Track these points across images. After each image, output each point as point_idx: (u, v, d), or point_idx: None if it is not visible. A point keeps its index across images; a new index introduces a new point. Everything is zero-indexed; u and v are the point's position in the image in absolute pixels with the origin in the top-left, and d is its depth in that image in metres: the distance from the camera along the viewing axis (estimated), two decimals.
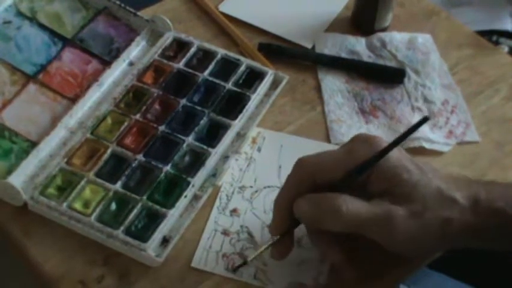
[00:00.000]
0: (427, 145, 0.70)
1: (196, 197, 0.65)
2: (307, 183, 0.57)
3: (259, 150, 0.70)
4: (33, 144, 0.68)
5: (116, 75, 0.74)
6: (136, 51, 0.76)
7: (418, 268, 0.63)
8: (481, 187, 0.55)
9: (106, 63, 0.75)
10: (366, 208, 0.54)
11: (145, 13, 0.79)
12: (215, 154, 0.68)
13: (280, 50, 0.79)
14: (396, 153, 0.56)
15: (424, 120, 0.56)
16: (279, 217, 0.58)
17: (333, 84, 0.77)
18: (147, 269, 0.61)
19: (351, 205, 0.54)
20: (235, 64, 0.75)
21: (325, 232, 0.57)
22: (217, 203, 0.66)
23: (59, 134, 0.69)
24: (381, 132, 0.72)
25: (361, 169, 0.55)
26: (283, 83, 0.75)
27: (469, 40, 0.82)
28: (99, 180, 0.65)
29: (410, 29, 0.82)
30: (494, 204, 0.54)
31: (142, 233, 0.62)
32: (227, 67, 0.75)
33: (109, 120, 0.70)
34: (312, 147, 0.70)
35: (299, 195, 0.56)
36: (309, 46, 0.81)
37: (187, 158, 0.68)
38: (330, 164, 0.57)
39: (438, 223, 0.54)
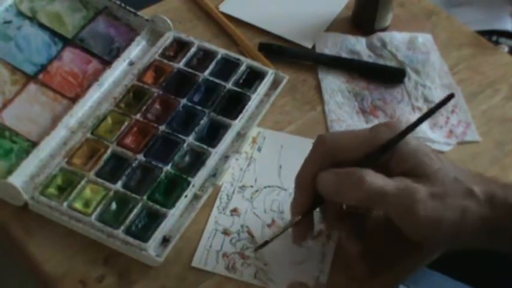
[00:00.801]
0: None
1: (196, 197, 0.66)
2: (328, 160, 0.57)
3: (259, 150, 0.70)
4: (34, 144, 0.68)
5: (116, 75, 0.74)
6: (136, 51, 0.76)
7: (427, 261, 0.63)
8: (497, 185, 0.56)
9: (106, 63, 0.75)
10: (389, 182, 0.54)
11: (146, 13, 0.79)
12: (215, 154, 0.68)
13: (280, 50, 0.79)
14: (417, 140, 0.57)
15: (449, 98, 0.56)
16: (300, 194, 0.58)
17: (333, 84, 0.77)
18: (147, 268, 0.61)
19: (374, 177, 0.54)
20: (236, 64, 0.75)
21: (344, 221, 0.58)
22: (217, 202, 0.66)
23: (59, 133, 0.69)
24: None
25: (384, 148, 0.55)
26: (284, 82, 0.75)
27: (469, 40, 0.82)
28: (100, 180, 0.65)
29: (410, 29, 0.82)
30: (510, 201, 0.54)
31: (143, 232, 0.62)
32: (227, 67, 0.75)
33: (109, 120, 0.70)
34: None
35: (320, 171, 0.56)
36: (309, 46, 0.81)
37: (187, 158, 0.68)
38: (352, 142, 0.57)
39: (456, 209, 0.54)
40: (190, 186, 0.65)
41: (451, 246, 0.59)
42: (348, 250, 0.59)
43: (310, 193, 0.57)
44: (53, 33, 0.76)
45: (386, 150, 0.55)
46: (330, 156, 0.57)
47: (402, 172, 0.55)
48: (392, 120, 0.58)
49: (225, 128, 0.70)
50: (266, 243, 0.60)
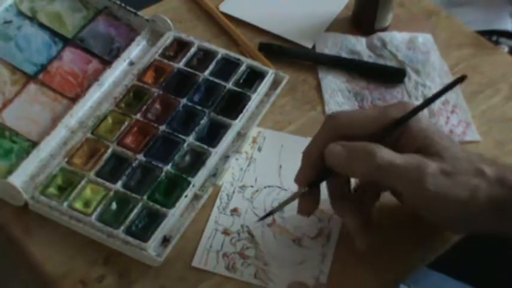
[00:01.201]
0: None
1: (196, 197, 0.66)
2: (337, 135, 0.57)
3: (259, 149, 0.70)
4: (34, 144, 0.68)
5: (116, 75, 0.74)
6: (136, 50, 0.76)
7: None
8: (506, 168, 0.56)
9: (106, 63, 0.75)
10: (400, 157, 0.54)
11: (146, 13, 0.79)
12: (215, 154, 0.68)
13: (280, 50, 0.79)
14: (428, 120, 0.57)
15: (460, 79, 0.56)
16: (307, 165, 0.58)
17: (333, 84, 0.77)
18: (147, 268, 0.61)
19: (384, 150, 0.54)
20: (236, 64, 0.75)
21: (347, 199, 0.58)
22: (217, 202, 0.66)
23: (59, 133, 0.69)
24: None
25: (395, 124, 0.56)
26: (284, 82, 0.75)
27: (469, 40, 0.82)
28: (100, 180, 0.65)
29: (410, 29, 0.82)
30: None
31: (143, 232, 0.62)
32: (227, 67, 0.75)
33: (109, 120, 0.70)
34: None
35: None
36: (310, 46, 0.81)
37: (187, 158, 0.68)
38: (363, 119, 0.57)
39: (467, 187, 0.54)
40: (191, 186, 0.65)
41: (461, 228, 0.58)
42: (348, 223, 0.59)
43: (317, 166, 0.58)
44: (53, 33, 0.76)
45: (397, 127, 0.56)
46: (339, 132, 0.57)
47: (413, 150, 0.55)
48: (402, 100, 0.58)
49: (225, 128, 0.70)
50: (271, 213, 0.60)
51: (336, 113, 0.59)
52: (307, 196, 0.59)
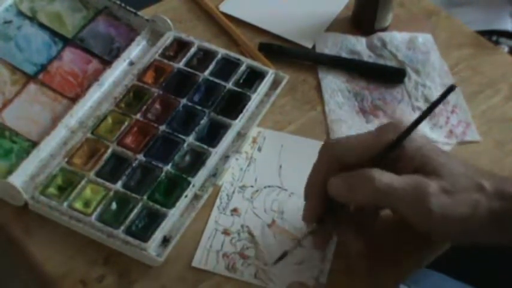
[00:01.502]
0: None
1: (196, 197, 0.66)
2: (335, 165, 0.57)
3: (259, 149, 0.70)
4: (34, 144, 0.68)
5: (116, 75, 0.74)
6: (136, 50, 0.76)
7: (432, 258, 0.63)
8: (505, 180, 0.56)
9: (106, 63, 0.75)
10: (399, 179, 0.54)
11: (146, 13, 0.79)
12: (215, 154, 0.68)
13: (280, 50, 0.79)
14: (422, 138, 0.57)
15: (450, 89, 0.56)
16: (311, 202, 0.58)
17: (333, 84, 0.77)
18: (147, 268, 0.61)
19: (383, 175, 0.54)
20: (236, 64, 0.75)
21: (348, 221, 0.58)
22: (217, 202, 0.66)
23: (59, 133, 0.69)
24: None
25: (391, 147, 0.55)
26: (284, 82, 0.75)
27: (469, 40, 0.82)
28: (100, 180, 0.65)
29: (410, 29, 0.82)
30: None
31: (143, 232, 0.62)
32: (227, 67, 0.75)
33: (109, 120, 0.70)
34: (313, 147, 0.70)
35: (329, 177, 0.57)
36: (310, 46, 0.81)
37: (187, 158, 0.68)
38: (358, 146, 0.57)
39: (467, 204, 0.54)
40: (191, 186, 0.65)
41: (462, 241, 0.58)
42: (349, 248, 0.59)
43: (321, 200, 0.58)
44: (53, 33, 0.76)
45: (393, 150, 0.56)
46: (337, 162, 0.57)
47: (411, 170, 0.55)
48: (393, 120, 0.58)
49: (225, 128, 0.70)
50: (285, 254, 0.59)
51: (330, 143, 0.58)
52: (319, 232, 0.59)
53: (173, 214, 0.63)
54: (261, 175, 0.68)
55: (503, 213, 0.54)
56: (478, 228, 0.55)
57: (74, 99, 0.72)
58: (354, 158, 0.56)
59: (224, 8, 0.84)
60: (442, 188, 0.54)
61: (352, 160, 0.56)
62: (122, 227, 0.62)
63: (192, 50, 0.76)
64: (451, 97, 0.75)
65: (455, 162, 0.56)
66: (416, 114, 0.74)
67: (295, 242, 0.60)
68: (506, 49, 1.10)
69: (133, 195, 0.64)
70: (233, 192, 0.67)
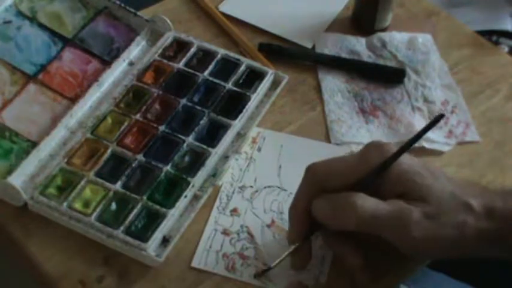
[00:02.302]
0: (427, 145, 0.70)
1: (196, 197, 0.66)
2: (319, 189, 0.57)
3: (259, 150, 0.70)
4: (34, 144, 0.68)
5: (116, 75, 0.74)
6: (136, 51, 0.76)
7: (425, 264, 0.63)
8: (497, 196, 0.55)
9: (106, 63, 0.75)
10: (381, 205, 0.54)
11: (146, 13, 0.79)
12: (215, 154, 0.68)
13: (280, 50, 0.79)
14: (408, 159, 0.56)
15: (439, 118, 0.55)
16: (296, 224, 0.58)
17: (333, 84, 0.77)
18: (147, 268, 0.61)
19: (367, 201, 0.54)
20: (235, 64, 0.75)
21: (341, 236, 0.57)
22: (217, 202, 0.66)
23: (59, 134, 0.69)
24: (381, 132, 0.72)
25: (376, 172, 0.55)
26: (283, 83, 0.75)
27: (469, 40, 0.82)
28: (99, 180, 0.65)
29: (410, 29, 0.82)
30: (511, 211, 0.54)
31: (143, 232, 0.62)
32: (227, 67, 0.75)
33: (109, 120, 0.70)
34: (312, 147, 0.70)
35: (313, 200, 0.56)
36: (309, 46, 0.81)
37: (187, 158, 0.68)
38: (342, 169, 0.57)
39: (453, 226, 0.53)
40: (190, 186, 0.65)
41: (453, 257, 0.58)
42: (350, 263, 0.58)
43: (305, 223, 0.58)
44: (53, 33, 0.76)
45: (378, 175, 0.55)
46: (321, 185, 0.57)
47: (396, 194, 0.55)
48: (382, 142, 0.57)
49: (225, 128, 0.70)
50: (269, 269, 0.59)
51: (314, 166, 0.58)
52: (300, 251, 0.59)
53: (173, 214, 0.63)
54: (260, 175, 0.68)
55: (493, 232, 0.54)
56: (469, 247, 0.54)
57: (73, 100, 0.72)
58: (338, 182, 0.56)
59: (224, 8, 0.84)
60: (425, 214, 0.53)
61: (335, 184, 0.56)
62: (122, 227, 0.62)
63: (192, 50, 0.76)
64: (451, 97, 0.75)
65: (442, 182, 0.55)
66: (416, 115, 0.74)
67: (278, 259, 0.59)
68: (506, 49, 1.10)
69: (133, 195, 0.64)
70: (233, 192, 0.67)
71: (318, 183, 0.57)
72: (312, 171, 0.58)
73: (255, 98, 0.72)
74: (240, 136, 0.71)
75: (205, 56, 0.76)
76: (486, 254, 0.56)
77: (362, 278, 0.58)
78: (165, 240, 0.62)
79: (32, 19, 0.76)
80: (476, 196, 0.55)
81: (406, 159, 0.56)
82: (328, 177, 0.57)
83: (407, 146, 0.56)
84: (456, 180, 0.56)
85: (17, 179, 0.65)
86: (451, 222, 0.53)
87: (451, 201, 0.54)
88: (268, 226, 0.64)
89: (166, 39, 0.77)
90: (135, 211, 0.63)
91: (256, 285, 0.60)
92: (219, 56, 0.76)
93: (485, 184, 0.67)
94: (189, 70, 0.74)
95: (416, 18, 0.85)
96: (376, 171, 0.55)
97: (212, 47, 0.77)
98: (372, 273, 0.58)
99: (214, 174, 0.67)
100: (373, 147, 0.57)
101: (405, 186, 0.55)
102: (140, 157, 0.67)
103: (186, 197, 0.64)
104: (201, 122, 0.70)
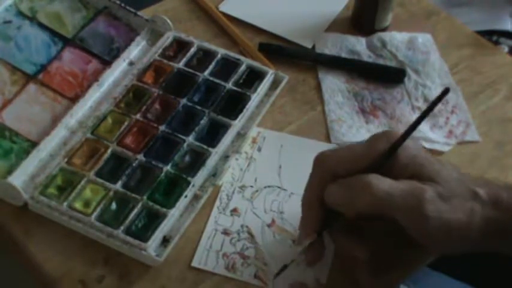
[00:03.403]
0: (427, 145, 0.70)
1: (196, 197, 0.66)
2: (329, 177, 0.56)
3: (259, 150, 0.70)
4: (34, 144, 0.68)
5: (116, 75, 0.74)
6: (136, 51, 0.76)
7: (429, 260, 0.63)
8: (501, 188, 0.55)
9: (106, 63, 0.75)
10: (395, 184, 0.54)
11: (146, 13, 0.79)
12: (215, 154, 0.68)
13: (280, 50, 0.79)
14: (414, 144, 0.56)
15: (444, 93, 0.55)
16: (309, 215, 0.58)
17: (333, 84, 0.77)
18: (147, 268, 0.61)
19: (381, 180, 0.54)
20: (236, 64, 0.75)
21: (350, 228, 0.57)
22: (217, 202, 0.66)
23: (59, 133, 0.69)
24: None
25: (385, 156, 0.55)
26: (284, 82, 0.75)
27: (469, 40, 0.82)
28: (100, 180, 0.65)
29: (410, 29, 0.82)
30: None
31: (143, 232, 0.62)
32: (227, 67, 0.75)
33: (109, 120, 0.70)
34: (312, 147, 0.70)
35: (324, 188, 0.56)
36: (309, 46, 0.81)
37: (187, 158, 0.68)
38: (351, 156, 0.56)
39: (464, 211, 0.53)
40: (190, 186, 0.65)
41: (459, 250, 0.57)
42: (355, 257, 0.58)
43: (318, 213, 0.57)
44: (53, 33, 0.76)
45: (387, 159, 0.55)
46: (331, 174, 0.56)
47: (405, 178, 0.55)
48: (385, 130, 0.57)
49: (225, 128, 0.70)
50: (285, 267, 0.59)
51: (322, 154, 0.58)
52: (313, 245, 0.58)
53: (173, 214, 0.63)
54: (260, 175, 0.68)
55: (499, 223, 0.53)
56: (477, 236, 0.54)
57: (73, 100, 0.72)
58: (347, 169, 0.56)
59: (224, 8, 0.84)
60: (438, 193, 0.53)
61: (345, 171, 0.56)
62: (122, 227, 0.62)
63: (192, 50, 0.76)
64: (451, 97, 0.75)
65: (449, 169, 0.55)
66: (416, 115, 0.74)
67: (296, 254, 0.59)
68: (506, 49, 1.10)
69: (133, 195, 0.64)
70: (233, 192, 0.67)
71: (329, 170, 0.57)
72: (321, 159, 0.57)
73: (255, 98, 0.72)
74: (240, 136, 0.71)
75: (205, 55, 0.76)
76: (493, 246, 0.55)
77: (364, 274, 0.58)
78: (165, 240, 0.62)
79: (32, 19, 0.76)
80: (482, 185, 0.55)
81: (412, 144, 0.56)
82: (338, 164, 0.56)
83: (412, 128, 0.56)
84: (459, 169, 0.56)
85: (17, 179, 0.65)
86: (462, 206, 0.53)
87: (459, 187, 0.54)
88: (269, 226, 0.64)
89: (167, 39, 0.77)
90: (135, 211, 0.63)
91: (256, 285, 0.60)
92: (219, 55, 0.76)
93: None
94: (189, 70, 0.74)
95: (416, 19, 0.85)
96: (385, 154, 0.55)
97: (212, 46, 0.77)
98: (374, 269, 0.58)
99: (215, 174, 0.67)
100: (379, 134, 0.57)
101: (415, 169, 0.55)
102: (140, 157, 0.67)
103: (186, 196, 0.64)
104: (201, 121, 0.70)
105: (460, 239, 0.54)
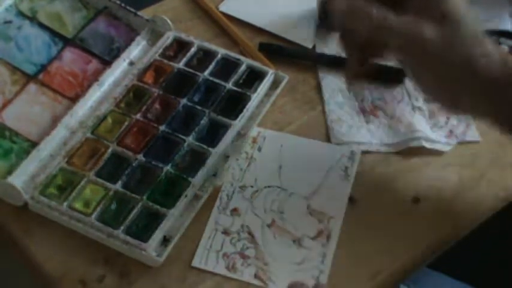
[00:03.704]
0: (427, 145, 0.70)
1: (196, 197, 0.66)
2: None
3: (259, 150, 0.70)
4: (34, 144, 0.68)
5: (116, 75, 0.74)
6: (136, 51, 0.76)
7: None
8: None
9: (106, 63, 0.75)
10: (396, 15, 0.54)
11: (146, 13, 0.79)
12: (215, 154, 0.68)
13: (280, 50, 0.79)
14: None
15: None
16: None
17: (333, 84, 0.77)
18: (147, 268, 0.61)
19: (381, 9, 0.55)
20: (236, 64, 0.75)
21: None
22: (217, 202, 0.66)
23: (59, 133, 0.69)
24: (381, 131, 0.72)
25: None
26: (284, 82, 0.75)
27: None
28: (100, 180, 0.65)
29: None
30: None
31: (143, 232, 0.62)
32: (227, 67, 0.75)
33: (109, 120, 0.70)
34: (312, 147, 0.70)
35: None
36: (310, 46, 0.81)
37: (187, 158, 0.68)
38: None
39: (464, 55, 0.53)
40: (190, 186, 0.65)
41: (452, 105, 0.58)
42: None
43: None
44: (53, 33, 0.76)
45: None
46: None
47: (416, 11, 0.55)
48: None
49: (225, 128, 0.70)
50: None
51: None
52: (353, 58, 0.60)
53: (173, 214, 0.63)
54: (261, 175, 0.68)
55: (504, 80, 0.53)
56: (470, 88, 0.54)
57: (73, 99, 0.72)
58: None
59: (224, 8, 0.84)
60: (441, 32, 0.53)
61: None
62: (122, 227, 0.62)
63: (192, 50, 0.76)
64: None
65: (464, 7, 0.55)
66: (416, 114, 0.74)
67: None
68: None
69: (133, 195, 0.64)
70: (233, 192, 0.67)
71: None
72: None
73: (255, 98, 0.72)
74: (240, 136, 0.71)
75: (205, 55, 0.76)
76: (482, 107, 0.55)
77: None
78: (166, 240, 0.62)
79: (32, 19, 0.76)
80: (493, 43, 0.54)
81: None
82: None
83: None
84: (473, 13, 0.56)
85: (17, 179, 0.65)
86: (462, 52, 0.53)
87: (467, 32, 0.54)
88: (269, 226, 0.64)
89: (167, 39, 0.77)
90: (135, 211, 0.63)
91: (256, 285, 0.60)
92: (219, 55, 0.76)
93: (485, 183, 0.67)
94: (189, 70, 0.74)
95: None
96: None
97: (212, 46, 0.77)
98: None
99: (215, 174, 0.67)
100: None
101: (422, 3, 0.55)
102: (140, 157, 0.67)
103: (186, 196, 0.64)
104: (202, 121, 0.70)
105: (457, 79, 0.54)
